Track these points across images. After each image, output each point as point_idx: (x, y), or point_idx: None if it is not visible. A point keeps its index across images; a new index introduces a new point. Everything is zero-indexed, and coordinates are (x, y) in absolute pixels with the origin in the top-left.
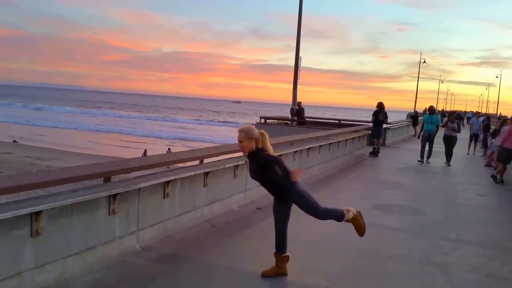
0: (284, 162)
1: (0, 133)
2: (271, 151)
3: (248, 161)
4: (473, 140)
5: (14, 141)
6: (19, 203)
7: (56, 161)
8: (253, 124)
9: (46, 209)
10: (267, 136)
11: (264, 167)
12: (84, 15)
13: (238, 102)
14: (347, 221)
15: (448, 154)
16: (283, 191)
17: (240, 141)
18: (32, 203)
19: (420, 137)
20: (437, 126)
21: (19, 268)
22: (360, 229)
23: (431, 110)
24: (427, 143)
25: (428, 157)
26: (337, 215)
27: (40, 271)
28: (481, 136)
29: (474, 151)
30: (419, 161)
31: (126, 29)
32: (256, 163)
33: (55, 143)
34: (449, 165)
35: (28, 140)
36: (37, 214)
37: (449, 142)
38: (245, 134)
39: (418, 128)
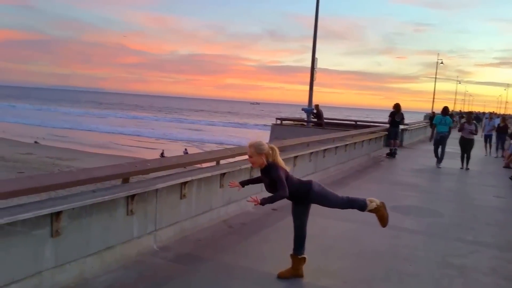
0: (285, 189)
1: (22, 134)
2: (282, 164)
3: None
4: (487, 142)
5: (36, 142)
6: (40, 203)
7: (76, 161)
8: (269, 125)
9: (67, 209)
10: (277, 151)
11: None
12: (102, 18)
13: (257, 103)
14: (370, 211)
15: (465, 158)
16: (301, 196)
17: (250, 156)
18: (52, 203)
19: (433, 139)
20: (449, 128)
21: (39, 267)
22: (383, 220)
23: (445, 111)
24: (440, 146)
25: (440, 161)
26: (360, 205)
27: (60, 270)
28: (494, 138)
29: (490, 152)
30: (437, 165)
31: (143, 32)
32: (270, 179)
33: (75, 144)
34: (468, 169)
35: (49, 141)
36: (58, 214)
37: (467, 146)
38: (255, 150)
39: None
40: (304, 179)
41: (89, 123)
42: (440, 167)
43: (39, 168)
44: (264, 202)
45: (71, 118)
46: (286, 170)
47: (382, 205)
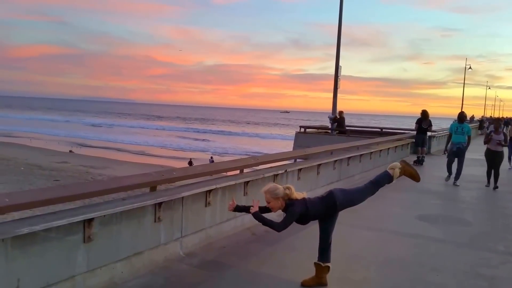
0: (281, 226)
1: (58, 143)
2: (299, 196)
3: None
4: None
5: (70, 151)
6: (73, 210)
7: (108, 169)
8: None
9: (98, 216)
10: (293, 189)
11: (300, 220)
12: (130, 32)
13: (287, 112)
14: (399, 177)
15: (492, 174)
16: (330, 212)
17: (268, 202)
18: (85, 211)
19: (448, 151)
20: (468, 138)
21: (72, 271)
22: (414, 177)
23: (461, 117)
24: (456, 159)
25: (457, 177)
26: (386, 180)
27: (92, 274)
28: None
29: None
30: (446, 179)
31: (170, 45)
32: None
33: (107, 152)
34: (497, 187)
35: (83, 150)
36: (90, 221)
37: (494, 160)
38: (271, 195)
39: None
40: (328, 187)
41: (119, 133)
42: (458, 185)
43: (74, 176)
44: (256, 216)
45: (103, 129)
46: (303, 199)
47: (404, 164)
